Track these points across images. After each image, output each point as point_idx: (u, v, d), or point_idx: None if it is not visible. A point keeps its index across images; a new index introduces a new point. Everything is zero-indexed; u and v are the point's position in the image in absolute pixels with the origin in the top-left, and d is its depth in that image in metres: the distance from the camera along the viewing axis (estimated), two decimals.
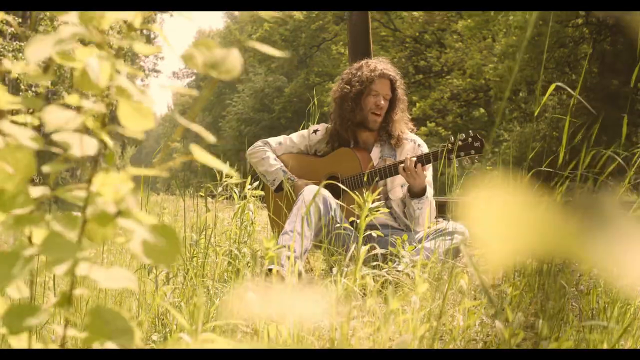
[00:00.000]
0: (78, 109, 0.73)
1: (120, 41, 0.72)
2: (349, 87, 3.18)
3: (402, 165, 2.91)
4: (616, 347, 1.26)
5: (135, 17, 0.75)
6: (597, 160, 1.65)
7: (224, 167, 0.76)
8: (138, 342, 0.64)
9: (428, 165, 2.94)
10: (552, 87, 1.68)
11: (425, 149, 3.21)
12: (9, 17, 0.84)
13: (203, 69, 0.67)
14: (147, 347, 1.64)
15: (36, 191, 0.67)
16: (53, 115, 0.70)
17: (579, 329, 1.39)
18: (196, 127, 0.66)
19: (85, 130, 0.72)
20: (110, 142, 0.69)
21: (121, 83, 0.71)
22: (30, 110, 0.77)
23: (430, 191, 3.02)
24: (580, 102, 1.68)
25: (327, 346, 1.46)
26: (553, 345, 1.15)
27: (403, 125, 3.21)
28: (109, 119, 0.77)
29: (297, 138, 3.36)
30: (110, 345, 0.61)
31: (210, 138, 0.73)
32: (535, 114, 1.81)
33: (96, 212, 0.63)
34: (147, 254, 0.61)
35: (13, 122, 0.74)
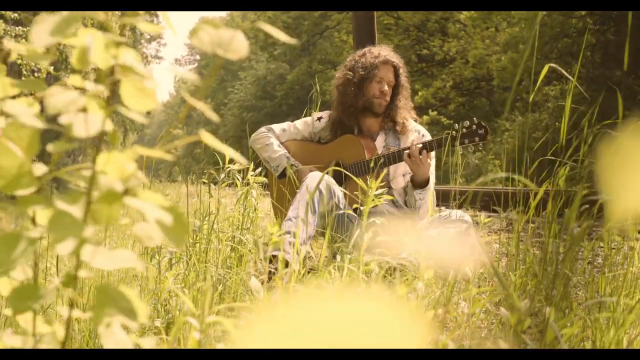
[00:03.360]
0: (82, 90, 0.72)
1: (123, 18, 0.70)
2: (352, 74, 3.17)
3: (407, 152, 2.90)
4: (624, 334, 1.25)
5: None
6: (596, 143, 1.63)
7: (232, 152, 0.74)
8: (145, 319, 0.63)
9: (432, 153, 2.93)
10: (546, 68, 1.66)
11: (429, 139, 3.20)
12: None
13: (210, 47, 0.66)
14: (150, 332, 1.63)
15: (40, 171, 0.65)
16: (55, 97, 0.69)
17: (584, 316, 1.38)
18: (202, 106, 0.65)
19: (88, 111, 0.71)
20: (111, 124, 0.68)
21: (124, 61, 0.69)
22: (33, 93, 0.75)
23: (432, 180, 3.01)
24: (581, 90, 1.67)
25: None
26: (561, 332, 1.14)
27: (406, 113, 3.20)
28: (112, 99, 0.75)
29: (301, 125, 3.35)
30: (116, 321, 0.60)
31: (215, 118, 0.72)
32: (530, 99, 1.79)
33: (103, 190, 0.61)
34: (158, 232, 0.60)
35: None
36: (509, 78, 18.63)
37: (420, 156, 2.87)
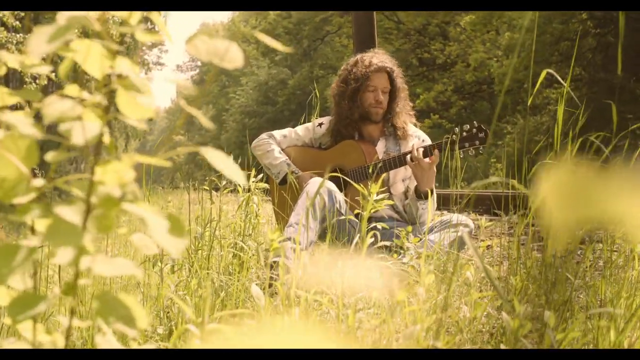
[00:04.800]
0: (79, 99, 0.72)
1: (120, 28, 0.70)
2: (344, 86, 3.15)
3: (410, 155, 2.90)
4: (624, 336, 1.25)
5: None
6: (589, 147, 1.62)
7: (230, 170, 0.74)
8: (145, 326, 0.63)
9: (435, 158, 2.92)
10: (544, 73, 1.66)
11: (429, 144, 3.19)
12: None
13: (206, 56, 0.66)
14: (152, 339, 1.63)
15: (38, 181, 0.66)
16: (52, 106, 0.69)
17: (585, 320, 1.38)
18: (197, 113, 0.65)
19: (85, 119, 0.71)
20: (107, 134, 0.68)
21: (121, 71, 0.70)
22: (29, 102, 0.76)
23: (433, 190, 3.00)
24: (573, 95, 1.67)
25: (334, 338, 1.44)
26: (560, 336, 1.14)
27: (406, 116, 3.18)
28: (110, 107, 0.76)
29: (302, 131, 3.34)
30: (114, 329, 0.61)
31: (209, 125, 0.72)
32: (529, 103, 1.80)
33: (101, 196, 0.62)
34: (157, 240, 0.60)
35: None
36: (510, 82, 18.65)
37: (426, 159, 2.86)
